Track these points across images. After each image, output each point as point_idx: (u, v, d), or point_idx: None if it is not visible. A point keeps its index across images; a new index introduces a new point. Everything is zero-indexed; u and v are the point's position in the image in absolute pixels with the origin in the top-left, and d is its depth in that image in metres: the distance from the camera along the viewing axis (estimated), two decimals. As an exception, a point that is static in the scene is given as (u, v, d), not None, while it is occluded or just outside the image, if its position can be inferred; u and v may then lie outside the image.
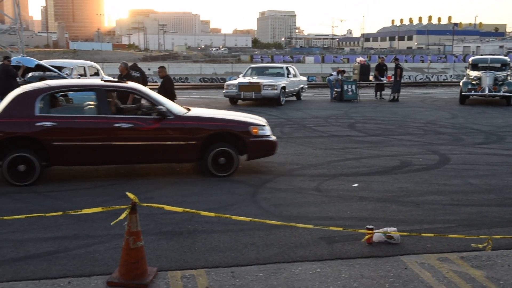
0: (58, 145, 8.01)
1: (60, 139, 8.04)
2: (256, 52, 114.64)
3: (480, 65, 23.32)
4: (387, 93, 24.66)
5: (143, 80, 14.45)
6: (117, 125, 8.18)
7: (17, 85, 15.37)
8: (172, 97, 12.09)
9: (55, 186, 7.97)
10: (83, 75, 18.53)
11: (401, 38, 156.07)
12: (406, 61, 76.34)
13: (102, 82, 9.04)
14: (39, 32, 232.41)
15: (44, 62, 19.62)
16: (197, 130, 8.55)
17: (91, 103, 8.76)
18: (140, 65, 18.36)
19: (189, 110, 9.20)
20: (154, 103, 8.55)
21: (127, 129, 8.23)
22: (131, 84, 9.46)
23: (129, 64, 15.05)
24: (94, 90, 8.54)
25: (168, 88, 11.96)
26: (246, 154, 8.89)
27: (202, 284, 4.54)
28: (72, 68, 18.12)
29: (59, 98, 9.61)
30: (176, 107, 8.94)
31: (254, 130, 8.82)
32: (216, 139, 8.63)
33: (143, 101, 9.15)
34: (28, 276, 4.64)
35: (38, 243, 5.44)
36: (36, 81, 14.23)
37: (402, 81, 25.80)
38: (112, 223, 4.44)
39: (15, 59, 16.66)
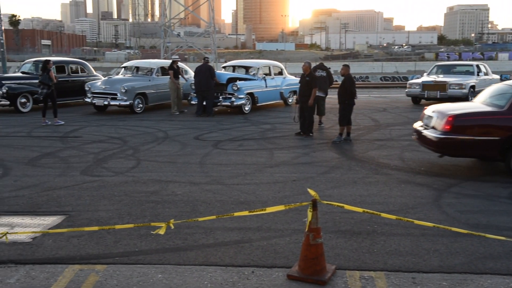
0: None
1: None
2: (442, 49, 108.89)
3: None
4: None
5: (329, 79, 14.58)
6: None
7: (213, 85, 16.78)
8: (352, 96, 12.04)
9: (240, 179, 8.45)
10: (268, 74, 19.34)
11: None
12: None
13: None
14: (229, 34, 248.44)
15: (233, 63, 20.95)
16: None
17: None
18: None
19: None
20: None
21: None
22: None
23: (316, 64, 15.31)
24: None
25: (348, 87, 11.92)
26: None
27: (381, 287, 4.45)
28: (258, 68, 19.04)
29: None
30: None
31: None
32: None
33: None
34: (216, 262, 4.99)
35: (226, 233, 5.82)
36: None
37: None
38: (306, 230, 4.53)
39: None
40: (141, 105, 18.04)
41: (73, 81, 20.15)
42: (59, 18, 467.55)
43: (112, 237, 5.64)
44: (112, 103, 17.45)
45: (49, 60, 15.39)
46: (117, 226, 5.34)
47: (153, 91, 18.43)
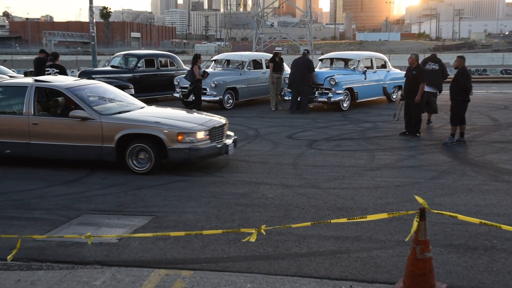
0: None
1: None
2: None
3: None
4: None
5: (442, 73, 13.99)
6: None
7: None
8: (466, 92, 11.50)
9: (337, 183, 8.35)
10: (370, 67, 18.99)
11: None
12: None
13: None
14: (326, 24, 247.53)
15: (330, 55, 20.79)
16: None
17: None
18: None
19: None
20: None
21: None
22: None
23: (427, 55, 14.84)
24: None
25: (461, 81, 11.40)
26: None
27: (501, 311, 4.20)
28: (358, 60, 18.73)
29: None
30: None
31: None
32: None
33: None
34: (310, 274, 4.94)
35: (321, 241, 5.76)
36: None
37: None
38: (406, 239, 4.40)
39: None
40: (231, 101, 18.36)
41: (162, 75, 20.91)
42: (149, 9, 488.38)
43: (200, 241, 5.76)
44: (202, 98, 17.88)
45: (199, 55, 16.51)
46: (205, 232, 5.45)
47: (244, 86, 18.69)
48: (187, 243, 5.71)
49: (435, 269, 4.63)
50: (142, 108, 10.13)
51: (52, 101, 9.95)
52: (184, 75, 16.38)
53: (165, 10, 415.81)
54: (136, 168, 8.88)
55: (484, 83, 31.05)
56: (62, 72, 14.19)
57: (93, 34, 28.02)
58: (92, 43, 28.46)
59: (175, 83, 18.83)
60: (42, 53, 16.57)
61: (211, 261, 5.26)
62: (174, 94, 18.91)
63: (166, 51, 48.99)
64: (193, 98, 16.65)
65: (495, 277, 4.82)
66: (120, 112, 9.47)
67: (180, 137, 8.76)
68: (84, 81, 10.72)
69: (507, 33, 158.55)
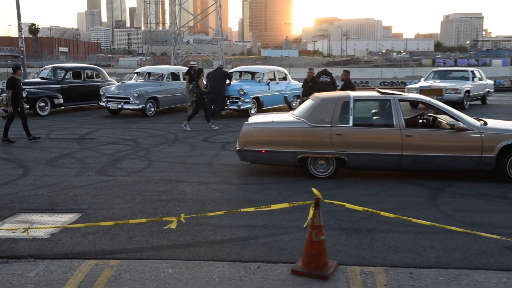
0: None
1: None
2: (439, 56, 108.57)
3: None
4: None
5: (333, 84, 14.52)
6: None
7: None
8: None
9: (246, 179, 8.47)
10: (273, 79, 19.35)
11: None
12: None
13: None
14: (236, 42, 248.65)
15: (239, 69, 20.97)
16: None
17: None
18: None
19: None
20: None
21: None
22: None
23: (319, 70, 15.33)
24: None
25: (347, 90, 11.92)
26: None
27: (381, 281, 4.45)
28: (263, 73, 19.07)
29: None
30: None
31: None
32: None
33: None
34: (224, 258, 5.00)
35: (233, 230, 5.83)
36: None
37: None
38: (304, 225, 4.55)
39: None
40: (153, 109, 18.10)
41: (88, 86, 20.23)
42: (75, 26, 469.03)
43: (126, 233, 5.66)
44: (125, 106, 17.50)
45: (202, 69, 15.82)
46: (131, 221, 5.35)
47: (164, 96, 18.49)
48: (114, 236, 5.59)
49: (328, 249, 4.83)
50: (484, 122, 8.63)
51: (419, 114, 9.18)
52: (190, 87, 15.87)
53: (90, 27, 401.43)
54: None
55: (367, 93, 32.38)
56: None
57: (22, 48, 26.72)
58: (22, 56, 27.10)
59: (101, 93, 18.31)
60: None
61: (137, 250, 5.20)
62: (101, 103, 18.36)
63: (92, 64, 47.32)
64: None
65: (376, 253, 5.09)
66: (485, 123, 8.43)
67: None
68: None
69: (384, 51, 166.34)
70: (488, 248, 5.19)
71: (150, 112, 17.95)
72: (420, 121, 9.32)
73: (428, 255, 5.03)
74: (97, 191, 7.58)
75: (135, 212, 6.54)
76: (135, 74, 20.64)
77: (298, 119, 8.68)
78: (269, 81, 18.91)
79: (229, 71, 19.47)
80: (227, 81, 17.65)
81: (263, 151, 8.52)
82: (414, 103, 20.79)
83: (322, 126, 8.35)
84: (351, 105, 8.41)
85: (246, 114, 17.43)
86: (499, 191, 7.56)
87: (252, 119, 9.38)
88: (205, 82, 16.23)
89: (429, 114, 9.61)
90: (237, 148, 8.81)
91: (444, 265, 4.79)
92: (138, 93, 17.37)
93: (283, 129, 8.68)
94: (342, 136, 8.26)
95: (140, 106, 17.49)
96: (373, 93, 9.11)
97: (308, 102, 9.23)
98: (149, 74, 19.96)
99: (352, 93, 8.83)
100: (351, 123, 8.31)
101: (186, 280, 4.50)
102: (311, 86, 12.65)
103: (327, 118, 8.37)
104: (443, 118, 8.78)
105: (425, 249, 5.18)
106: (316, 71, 15.66)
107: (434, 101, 8.74)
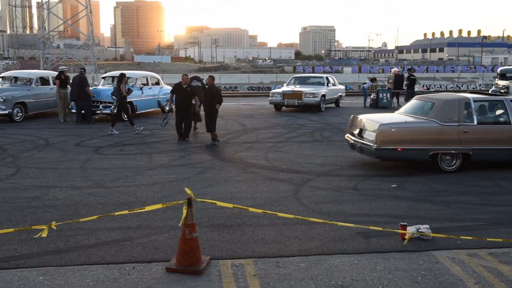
0: None
1: None
2: (299, 63, 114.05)
3: (508, 74, 22.69)
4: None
5: (203, 89, 14.57)
6: None
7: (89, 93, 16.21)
8: (219, 103, 12.15)
9: (120, 182, 8.17)
10: (146, 84, 18.92)
11: (433, 50, 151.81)
12: (437, 71, 74.30)
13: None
14: (108, 47, 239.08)
15: (112, 74, 20.20)
16: None
17: None
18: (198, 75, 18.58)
19: None
20: None
21: None
22: None
23: (191, 75, 15.36)
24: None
25: (215, 95, 12.07)
26: None
27: (250, 272, 4.55)
28: (136, 78, 18.56)
29: None
30: None
31: None
32: None
33: None
34: (98, 261, 4.77)
35: (107, 232, 5.59)
36: None
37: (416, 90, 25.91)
38: (179, 224, 4.48)
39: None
40: (21, 114, 16.71)
41: None
42: None
43: (-9, 244, 5.15)
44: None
45: (124, 74, 14.67)
46: (-4, 233, 4.89)
47: (33, 100, 17.14)
48: (-22, 247, 5.06)
49: (201, 245, 4.83)
50: None
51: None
52: (111, 92, 14.61)
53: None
54: None
55: (236, 97, 33.09)
56: None
57: None
58: None
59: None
60: None
61: (4, 260, 4.75)
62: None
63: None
64: (115, 112, 15.12)
65: (245, 246, 5.20)
66: None
67: None
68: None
69: (251, 58, 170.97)
70: (342, 234, 5.56)
71: (18, 117, 16.55)
72: None
73: (292, 244, 5.25)
74: (-42, 201, 6.81)
75: (1, 220, 5.98)
76: (0, 79, 18.87)
77: (426, 119, 9.00)
78: (142, 86, 18.45)
79: (102, 76, 18.65)
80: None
81: (399, 149, 8.71)
82: (278, 106, 21.65)
83: (451, 125, 8.80)
84: (473, 106, 8.94)
85: (121, 118, 16.80)
86: (351, 184, 8.14)
87: (384, 120, 9.38)
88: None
89: None
90: (374, 147, 8.76)
91: (305, 252, 5.04)
92: (4, 97, 15.94)
93: (417, 128, 9.01)
94: (469, 133, 8.80)
95: (6, 112, 16.05)
96: (486, 96, 10.11)
97: (415, 103, 9.80)
98: (16, 78, 18.37)
99: (471, 95, 9.48)
100: (475, 122, 8.88)
101: (58, 287, 4.21)
102: (189, 91, 12.64)
103: (454, 117, 8.81)
104: None
105: (289, 239, 5.40)
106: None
107: None
